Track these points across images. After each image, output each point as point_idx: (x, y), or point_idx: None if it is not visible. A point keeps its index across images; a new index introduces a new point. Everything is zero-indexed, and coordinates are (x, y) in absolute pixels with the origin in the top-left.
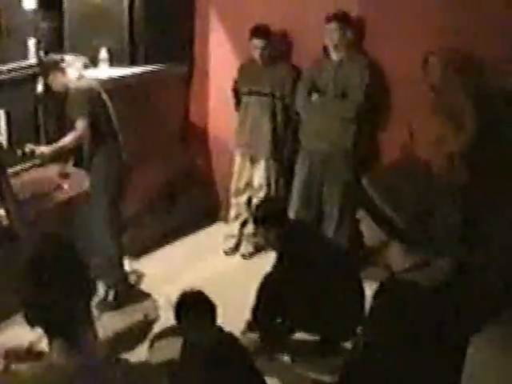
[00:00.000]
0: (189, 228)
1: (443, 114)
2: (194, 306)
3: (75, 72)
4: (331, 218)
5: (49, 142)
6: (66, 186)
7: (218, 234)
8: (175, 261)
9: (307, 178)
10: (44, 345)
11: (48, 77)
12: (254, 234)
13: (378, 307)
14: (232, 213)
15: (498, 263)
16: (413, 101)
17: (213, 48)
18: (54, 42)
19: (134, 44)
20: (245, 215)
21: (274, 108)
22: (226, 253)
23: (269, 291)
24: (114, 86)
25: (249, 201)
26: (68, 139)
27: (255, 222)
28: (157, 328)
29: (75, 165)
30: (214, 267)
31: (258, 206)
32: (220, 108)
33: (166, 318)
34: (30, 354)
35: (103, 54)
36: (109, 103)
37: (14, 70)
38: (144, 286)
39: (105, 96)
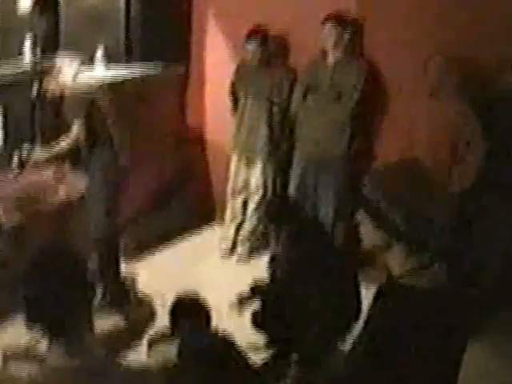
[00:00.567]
0: (185, 230)
1: (442, 119)
2: (189, 309)
3: (70, 73)
4: (326, 222)
5: (44, 143)
6: (61, 189)
7: (214, 236)
8: (171, 262)
9: (302, 180)
10: (42, 346)
11: (43, 80)
12: (250, 236)
13: (376, 311)
14: (228, 215)
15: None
16: (411, 104)
17: (209, 49)
18: (50, 42)
19: (131, 43)
20: (240, 217)
21: (271, 110)
22: (222, 255)
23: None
24: (110, 87)
25: (245, 203)
26: (64, 143)
27: (268, 219)
28: (152, 330)
29: (72, 167)
30: (210, 269)
31: (271, 202)
32: (216, 109)
33: (162, 320)
34: (27, 354)
35: (99, 53)
36: (104, 104)
37: (9, 69)
38: (140, 288)
39: (100, 97)
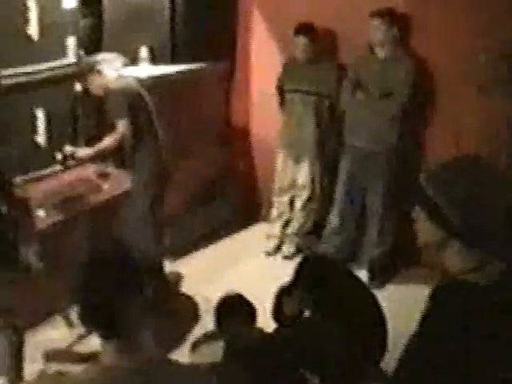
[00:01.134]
0: (230, 228)
1: (491, 114)
2: (234, 310)
3: (114, 72)
4: (374, 219)
5: (88, 142)
6: (105, 187)
7: (260, 235)
8: (216, 261)
9: (351, 176)
10: (83, 346)
11: (86, 79)
12: (297, 235)
13: (433, 310)
14: (274, 213)
15: None
16: (459, 100)
17: (255, 45)
18: (94, 41)
19: (175, 42)
20: (287, 215)
21: (319, 107)
22: (268, 253)
23: None
24: (155, 85)
25: (291, 200)
26: (108, 141)
27: (296, 280)
28: (196, 330)
29: (117, 165)
30: (255, 268)
31: (304, 262)
32: (263, 106)
33: (206, 321)
34: (68, 354)
35: (144, 52)
36: (149, 102)
37: (53, 68)
38: (184, 288)
39: (145, 95)
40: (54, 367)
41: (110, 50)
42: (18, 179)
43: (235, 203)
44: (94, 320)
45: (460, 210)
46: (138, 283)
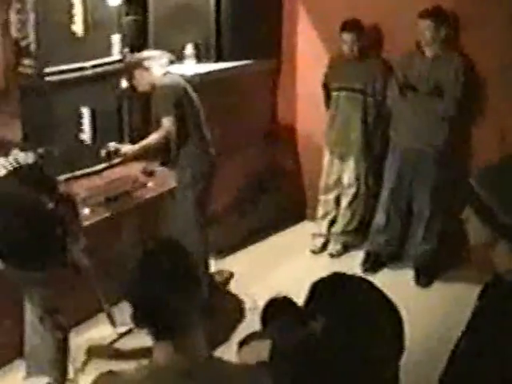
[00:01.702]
0: (275, 227)
1: None
2: (280, 313)
3: (160, 69)
4: (421, 217)
5: (133, 140)
6: (150, 184)
7: (306, 233)
8: (261, 260)
9: (397, 175)
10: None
11: (132, 76)
12: (343, 233)
13: (482, 310)
14: (320, 211)
15: None
16: (506, 98)
17: (301, 43)
18: (139, 38)
19: (221, 39)
20: (333, 213)
21: (365, 104)
22: (314, 252)
23: None
24: (201, 82)
25: (337, 199)
26: (153, 138)
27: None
28: (242, 328)
29: (163, 163)
30: (301, 267)
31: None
32: (309, 104)
33: (252, 319)
34: (111, 351)
35: (189, 49)
36: (195, 99)
37: (98, 66)
38: (230, 286)
39: (191, 92)
40: (96, 364)
41: (156, 47)
42: (64, 177)
43: (281, 201)
44: (148, 320)
45: (510, 210)
46: (195, 282)
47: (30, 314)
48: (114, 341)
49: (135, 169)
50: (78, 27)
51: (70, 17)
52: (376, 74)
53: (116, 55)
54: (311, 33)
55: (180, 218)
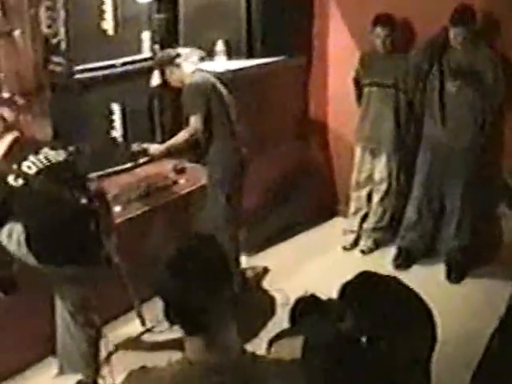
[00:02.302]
0: (307, 223)
1: None
2: (309, 311)
3: (190, 66)
4: (452, 214)
5: (164, 136)
6: (181, 182)
7: (337, 229)
8: (293, 256)
9: (429, 171)
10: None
11: (164, 72)
12: (375, 229)
13: None
14: (352, 207)
15: None
16: None
17: (332, 38)
18: (169, 35)
19: (252, 35)
20: (365, 210)
21: (397, 100)
22: (345, 248)
23: None
24: (232, 79)
25: (369, 195)
26: (180, 137)
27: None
28: (273, 324)
29: (192, 158)
30: (333, 263)
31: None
32: (340, 100)
33: (284, 315)
34: (143, 347)
35: (220, 46)
36: (226, 96)
37: (128, 63)
38: (262, 282)
39: (221, 89)
40: (128, 361)
41: (186, 44)
42: (95, 175)
43: (313, 198)
44: (179, 316)
45: None
46: (226, 278)
47: (62, 311)
48: (138, 337)
49: (166, 166)
50: (108, 25)
51: (100, 14)
52: (408, 69)
53: (146, 53)
54: (342, 28)
55: (211, 215)
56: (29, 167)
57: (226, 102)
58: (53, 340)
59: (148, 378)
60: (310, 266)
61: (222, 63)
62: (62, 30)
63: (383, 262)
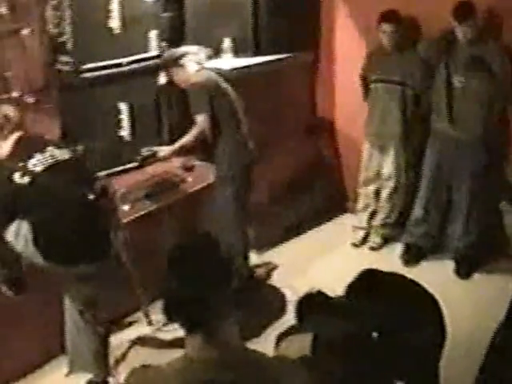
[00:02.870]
0: (316, 220)
1: None
2: (316, 307)
3: (195, 65)
4: (460, 209)
5: (171, 135)
6: (190, 179)
7: (346, 226)
8: (302, 253)
9: (436, 166)
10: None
11: (169, 73)
12: (383, 226)
13: None
14: (360, 204)
15: None
16: None
17: (339, 35)
18: (176, 33)
19: (259, 33)
20: (373, 206)
21: (404, 96)
22: (355, 245)
23: None
24: (239, 76)
25: (377, 191)
26: (188, 137)
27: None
28: (283, 320)
29: (200, 156)
30: (343, 259)
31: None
32: (348, 96)
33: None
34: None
35: (227, 44)
36: (231, 95)
37: (135, 62)
38: (272, 279)
39: (227, 88)
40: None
41: (193, 42)
42: (103, 173)
43: (321, 194)
44: (179, 313)
45: None
46: (227, 276)
47: (70, 309)
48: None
49: (174, 164)
50: (114, 23)
51: (107, 13)
52: (414, 65)
53: (153, 51)
54: (349, 25)
55: (219, 212)
56: (35, 165)
57: (231, 99)
58: (64, 339)
59: (149, 375)
60: (320, 262)
61: (228, 61)
62: (69, 29)
63: (392, 259)
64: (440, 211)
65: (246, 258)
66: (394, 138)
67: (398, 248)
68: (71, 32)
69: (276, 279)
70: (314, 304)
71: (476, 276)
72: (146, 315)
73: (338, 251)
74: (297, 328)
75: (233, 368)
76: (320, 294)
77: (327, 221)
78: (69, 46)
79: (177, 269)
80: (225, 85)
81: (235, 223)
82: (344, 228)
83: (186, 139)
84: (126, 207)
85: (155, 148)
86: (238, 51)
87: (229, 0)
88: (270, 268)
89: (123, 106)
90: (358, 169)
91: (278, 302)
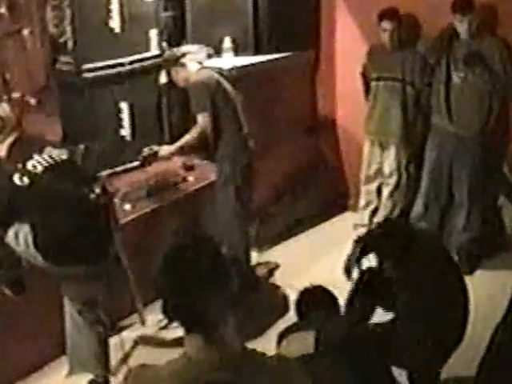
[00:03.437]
0: (318, 218)
1: None
2: (315, 302)
3: (196, 64)
4: (461, 205)
5: (172, 134)
6: (191, 179)
7: (348, 223)
8: (304, 251)
9: (437, 162)
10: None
11: (170, 72)
12: None
13: None
14: (362, 201)
15: None
16: None
17: (339, 33)
18: (177, 33)
19: (259, 32)
20: (375, 203)
21: (404, 93)
22: None
23: None
24: (239, 75)
25: (379, 189)
26: (189, 136)
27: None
28: (285, 319)
29: (201, 156)
30: (344, 257)
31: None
32: (348, 94)
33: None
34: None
35: (227, 43)
36: (232, 93)
37: (136, 61)
38: (273, 278)
39: (227, 86)
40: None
41: (194, 41)
42: (105, 173)
43: (323, 192)
44: (177, 313)
45: None
46: (225, 276)
47: (70, 309)
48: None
49: (175, 163)
50: (115, 23)
51: (107, 13)
52: (414, 62)
53: (154, 50)
54: (349, 23)
55: (220, 212)
56: (34, 166)
57: (231, 98)
58: (65, 340)
59: (148, 375)
60: (322, 260)
61: (229, 60)
62: (69, 29)
63: None
64: (440, 207)
65: (247, 256)
66: (394, 136)
67: None
68: (72, 32)
69: (278, 278)
70: (313, 300)
71: (479, 271)
72: (140, 314)
73: (339, 249)
74: (297, 326)
75: (232, 368)
76: (320, 288)
77: (329, 218)
78: (69, 46)
79: (174, 268)
80: (225, 84)
81: (236, 222)
82: (345, 226)
83: (187, 138)
84: (127, 206)
85: (156, 147)
86: (238, 50)
87: (229, 0)
88: (271, 267)
89: (124, 106)
90: (360, 166)
91: (279, 300)
